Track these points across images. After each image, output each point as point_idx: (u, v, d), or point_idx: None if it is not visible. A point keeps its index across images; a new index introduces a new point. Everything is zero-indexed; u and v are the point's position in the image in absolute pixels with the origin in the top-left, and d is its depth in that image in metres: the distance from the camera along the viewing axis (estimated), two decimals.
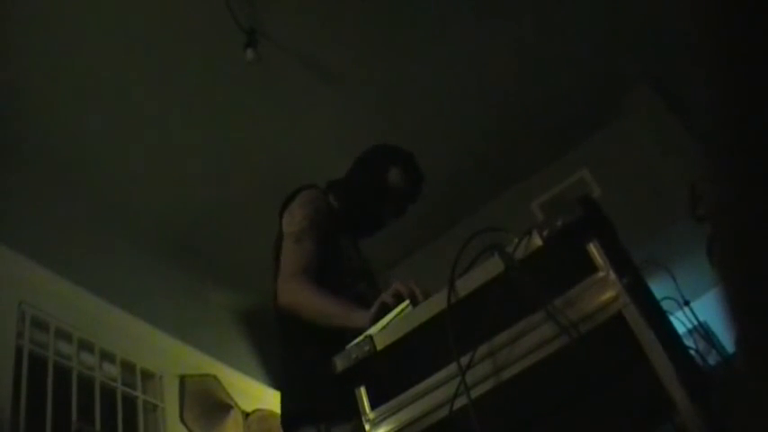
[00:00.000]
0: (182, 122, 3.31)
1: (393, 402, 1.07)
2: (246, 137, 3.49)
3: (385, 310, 1.27)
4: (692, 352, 1.18)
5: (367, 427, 1.07)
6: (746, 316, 0.38)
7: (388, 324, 1.15)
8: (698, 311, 1.48)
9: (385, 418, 1.07)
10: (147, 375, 3.15)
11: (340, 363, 1.11)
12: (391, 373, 1.11)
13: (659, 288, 1.21)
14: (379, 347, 1.10)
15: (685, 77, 3.62)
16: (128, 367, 3.05)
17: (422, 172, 1.94)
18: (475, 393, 0.98)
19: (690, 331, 1.45)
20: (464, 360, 0.99)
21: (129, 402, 2.97)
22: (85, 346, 2.87)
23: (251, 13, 2.97)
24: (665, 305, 1.20)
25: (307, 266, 1.62)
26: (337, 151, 3.73)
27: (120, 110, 3.14)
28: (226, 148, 3.49)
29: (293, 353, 1.63)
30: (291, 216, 1.77)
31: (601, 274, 0.98)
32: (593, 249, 0.99)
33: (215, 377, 3.56)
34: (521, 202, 4.09)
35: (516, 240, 1.04)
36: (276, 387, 1.69)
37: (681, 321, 1.41)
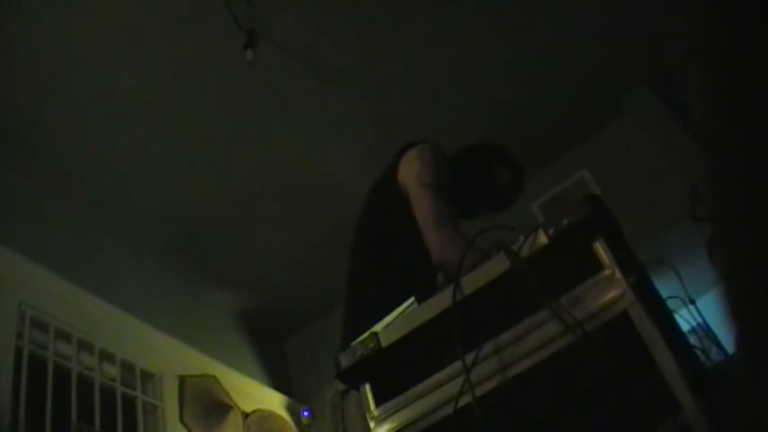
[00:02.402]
0: (181, 123, 3.31)
1: (398, 400, 1.07)
2: (246, 137, 3.48)
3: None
4: (697, 350, 1.18)
5: (372, 424, 1.06)
6: (746, 316, 0.38)
7: (392, 321, 1.15)
8: (703, 310, 1.48)
9: (389, 416, 1.07)
10: (147, 376, 3.15)
11: (345, 360, 1.11)
12: (396, 370, 1.10)
13: (665, 287, 1.21)
14: (383, 345, 1.10)
15: (685, 78, 3.63)
16: (127, 368, 3.04)
17: (524, 184, 1.90)
18: (479, 391, 0.98)
19: (695, 330, 1.45)
20: (469, 358, 0.99)
21: (129, 403, 2.96)
22: (85, 346, 2.86)
23: (251, 14, 2.97)
24: (671, 304, 1.20)
25: (456, 224, 1.57)
26: (337, 151, 3.75)
27: (119, 111, 3.14)
28: (226, 148, 3.49)
29: (382, 298, 1.50)
30: (426, 164, 1.65)
31: (606, 272, 0.98)
32: (599, 248, 0.99)
33: (214, 377, 3.56)
34: (521, 202, 4.08)
35: (522, 238, 1.04)
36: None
37: (686, 320, 1.42)
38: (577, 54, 3.63)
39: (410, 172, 1.67)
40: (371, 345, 1.09)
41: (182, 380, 3.31)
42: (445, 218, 1.55)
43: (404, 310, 1.15)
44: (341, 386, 1.41)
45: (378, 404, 1.08)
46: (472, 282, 1.07)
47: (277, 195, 3.80)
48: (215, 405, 3.48)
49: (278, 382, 4.28)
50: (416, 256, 1.55)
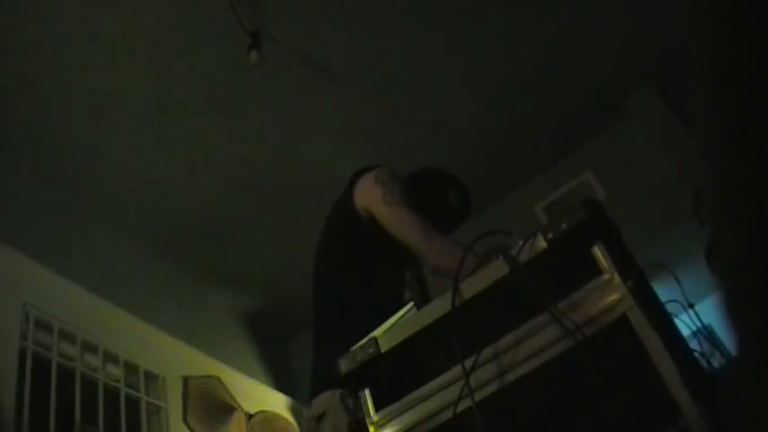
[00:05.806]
0: (184, 124, 3.31)
1: (397, 405, 1.07)
2: (249, 138, 3.49)
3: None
4: (697, 354, 1.18)
5: (371, 429, 1.07)
6: (746, 321, 0.38)
7: (392, 326, 1.15)
8: (702, 314, 1.48)
9: (389, 421, 1.07)
10: (151, 377, 3.15)
11: (344, 365, 1.11)
12: (395, 375, 1.11)
13: (664, 291, 1.21)
14: (383, 350, 1.10)
15: (689, 80, 3.62)
16: (131, 368, 3.05)
17: (472, 206, 1.95)
18: (479, 396, 0.98)
19: (694, 334, 1.45)
20: (468, 362, 0.99)
21: (133, 403, 2.96)
22: (89, 347, 2.87)
23: (255, 16, 2.97)
24: (670, 308, 1.20)
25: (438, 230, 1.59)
26: (341, 153, 3.75)
27: (121, 111, 3.14)
28: (229, 149, 3.50)
29: (343, 325, 1.55)
30: (387, 186, 1.65)
31: (605, 276, 0.98)
32: (598, 252, 0.99)
33: (218, 379, 3.56)
34: (524, 204, 4.08)
35: (521, 243, 1.04)
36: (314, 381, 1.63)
37: (685, 324, 1.42)
38: (581, 55, 3.62)
39: (372, 197, 1.66)
40: (371, 350, 1.09)
41: (185, 381, 3.32)
42: (428, 226, 1.57)
43: (403, 315, 1.15)
44: (315, 412, 1.42)
45: (377, 409, 1.09)
46: (471, 286, 1.07)
47: (280, 196, 3.80)
48: (218, 406, 3.48)
49: (281, 384, 4.28)
50: (384, 281, 1.57)
